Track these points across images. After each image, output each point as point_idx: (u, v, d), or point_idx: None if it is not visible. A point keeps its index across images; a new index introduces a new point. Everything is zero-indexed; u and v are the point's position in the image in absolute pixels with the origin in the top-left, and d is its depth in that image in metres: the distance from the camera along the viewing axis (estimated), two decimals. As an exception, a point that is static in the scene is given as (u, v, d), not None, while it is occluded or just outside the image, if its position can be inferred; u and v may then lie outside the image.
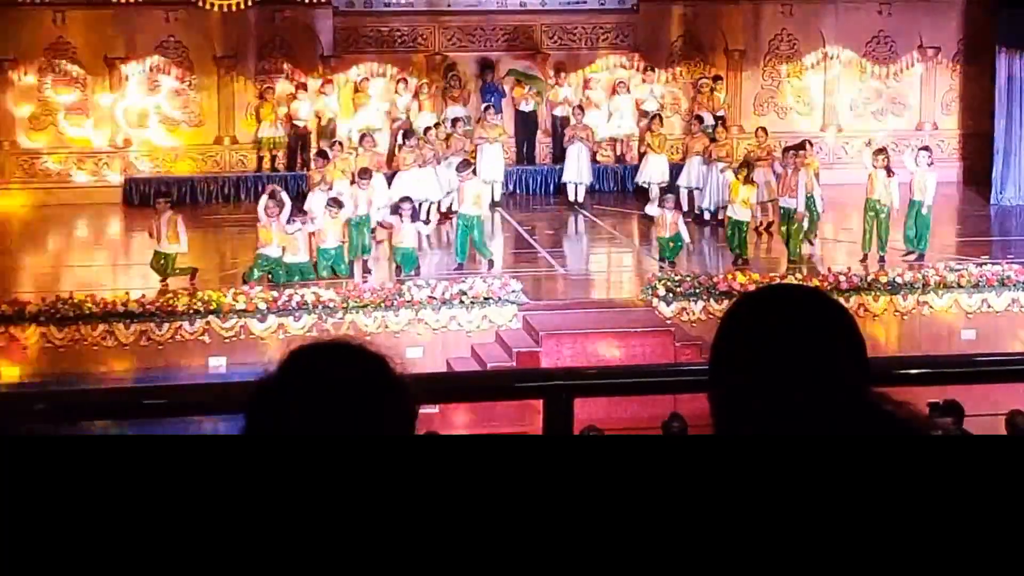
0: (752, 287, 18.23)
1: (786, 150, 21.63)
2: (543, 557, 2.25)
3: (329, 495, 2.26)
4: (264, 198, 19.68)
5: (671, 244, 20.15)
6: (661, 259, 19.96)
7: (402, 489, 2.27)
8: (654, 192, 23.22)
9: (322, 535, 2.26)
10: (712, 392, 2.62)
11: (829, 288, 17.69)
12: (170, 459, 2.31)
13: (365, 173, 20.55)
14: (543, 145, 26.41)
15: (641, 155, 25.20)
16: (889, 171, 20.72)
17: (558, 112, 26.09)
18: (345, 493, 2.27)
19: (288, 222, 19.23)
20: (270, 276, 18.93)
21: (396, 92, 25.65)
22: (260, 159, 25.58)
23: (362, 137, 23.26)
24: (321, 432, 2.44)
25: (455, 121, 24.28)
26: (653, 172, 24.23)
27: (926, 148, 21.15)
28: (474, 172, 21.22)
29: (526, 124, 26.11)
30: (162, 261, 19.11)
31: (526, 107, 26.06)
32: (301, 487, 2.27)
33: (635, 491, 2.28)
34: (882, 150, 21.57)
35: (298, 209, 19.58)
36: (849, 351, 2.57)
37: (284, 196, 19.76)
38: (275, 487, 2.27)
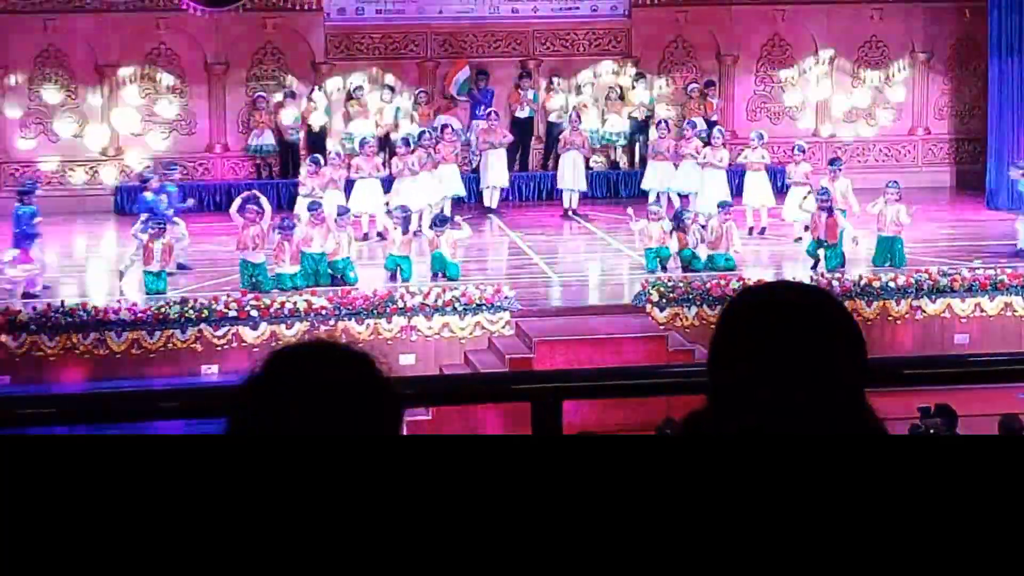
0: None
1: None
2: (532, 557, 2.23)
3: (322, 495, 2.27)
4: (238, 200, 19.72)
5: (657, 256, 20.05)
6: (650, 270, 19.86)
7: (388, 489, 2.26)
8: (652, 198, 23.23)
9: (315, 534, 2.26)
10: (710, 384, 2.60)
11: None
12: (168, 459, 2.32)
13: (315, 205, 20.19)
14: (536, 151, 26.41)
15: (643, 161, 25.16)
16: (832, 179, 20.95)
17: (551, 119, 26.07)
18: (336, 493, 2.27)
19: (277, 229, 19.21)
20: (256, 286, 18.83)
21: (383, 99, 25.63)
22: (257, 167, 25.56)
23: (362, 143, 23.28)
24: (307, 433, 2.43)
25: (443, 128, 24.28)
26: (652, 179, 24.16)
27: (894, 182, 20.93)
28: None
29: (521, 130, 26.10)
30: (152, 278, 18.99)
31: (521, 113, 26.05)
32: (294, 487, 2.27)
33: (624, 491, 2.26)
34: (835, 160, 21.77)
35: (282, 226, 19.46)
36: (849, 351, 2.55)
37: (264, 203, 19.70)
38: (271, 487, 2.27)
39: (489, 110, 25.02)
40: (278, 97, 25.61)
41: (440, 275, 19.47)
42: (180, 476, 2.28)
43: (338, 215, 19.99)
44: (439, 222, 19.99)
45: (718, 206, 20.69)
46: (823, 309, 2.61)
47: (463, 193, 23.70)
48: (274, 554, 2.25)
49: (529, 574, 2.24)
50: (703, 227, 20.31)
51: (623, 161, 26.43)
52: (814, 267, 19.98)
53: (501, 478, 2.28)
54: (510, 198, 25.55)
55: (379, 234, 21.23)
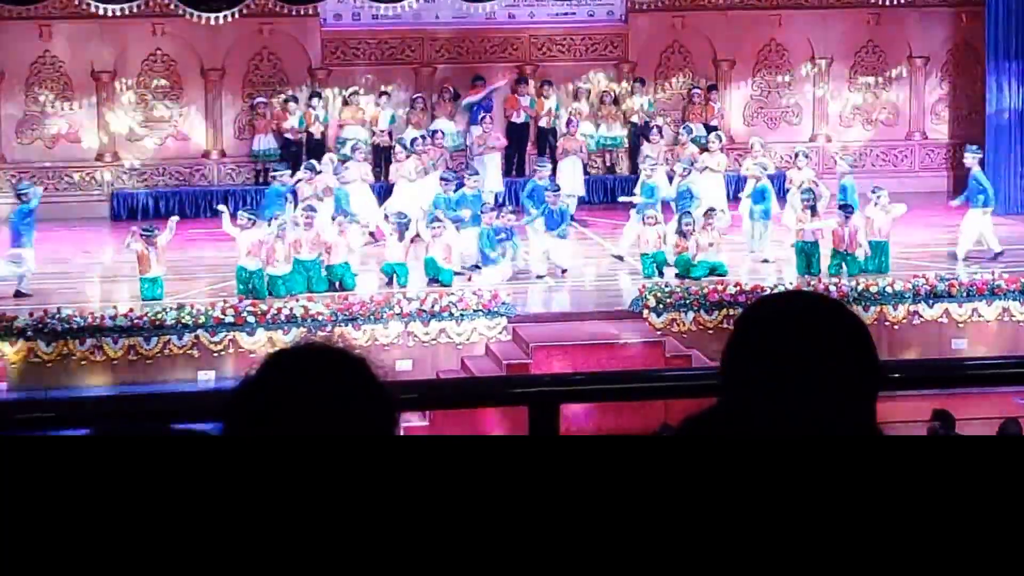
0: (743, 297, 18.33)
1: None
2: (531, 557, 2.22)
3: (318, 496, 2.27)
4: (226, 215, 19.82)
5: (654, 262, 20.05)
6: (647, 276, 19.86)
7: (382, 489, 2.26)
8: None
9: (311, 535, 2.25)
10: (723, 390, 2.61)
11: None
12: (168, 459, 2.32)
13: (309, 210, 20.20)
14: (532, 157, 26.38)
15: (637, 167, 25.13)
16: None
17: (543, 124, 26.04)
18: (330, 494, 2.26)
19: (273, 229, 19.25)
20: (252, 292, 18.80)
21: (378, 105, 25.61)
22: (257, 172, 25.54)
23: (353, 148, 23.29)
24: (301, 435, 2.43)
25: (434, 133, 24.28)
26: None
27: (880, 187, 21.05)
28: None
29: (517, 136, 26.08)
30: (149, 285, 18.95)
31: (517, 119, 26.03)
32: (294, 488, 2.27)
33: (622, 492, 2.25)
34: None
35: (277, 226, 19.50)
36: (863, 361, 2.58)
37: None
38: (271, 487, 2.27)
39: (483, 115, 25.01)
40: (278, 101, 25.58)
41: (434, 281, 19.47)
42: (177, 476, 2.28)
43: (334, 217, 19.99)
44: (434, 220, 19.99)
45: (704, 213, 20.68)
46: (836, 318, 2.64)
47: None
48: (271, 555, 2.24)
49: (529, 574, 2.23)
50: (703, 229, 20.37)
51: (621, 166, 26.40)
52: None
53: (499, 478, 2.27)
54: (506, 204, 25.51)
55: (371, 234, 21.24)
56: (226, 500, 2.25)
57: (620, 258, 21.16)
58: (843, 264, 19.96)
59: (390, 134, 25.07)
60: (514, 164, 26.14)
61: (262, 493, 2.26)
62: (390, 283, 19.63)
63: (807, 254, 20.16)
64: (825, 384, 2.53)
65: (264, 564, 2.24)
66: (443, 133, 24.56)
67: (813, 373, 2.54)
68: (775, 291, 17.90)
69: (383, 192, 23.38)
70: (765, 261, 21.16)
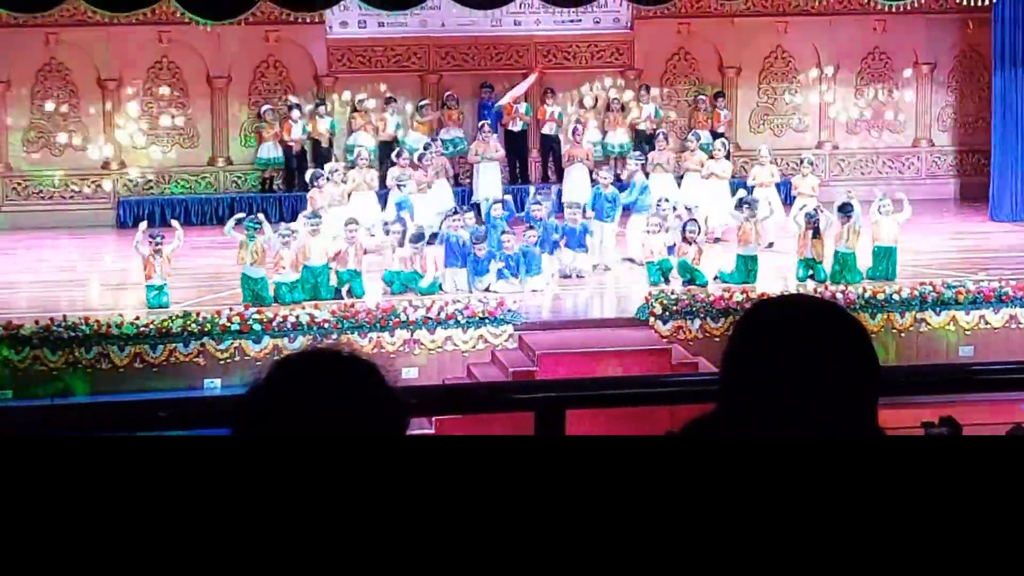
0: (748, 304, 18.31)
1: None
2: (537, 558, 2.22)
3: (328, 496, 2.27)
4: (232, 221, 19.83)
5: (659, 269, 20.03)
6: (652, 284, 19.84)
7: (388, 490, 2.25)
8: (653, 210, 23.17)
9: (315, 533, 2.25)
10: (724, 393, 2.61)
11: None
12: (167, 459, 2.32)
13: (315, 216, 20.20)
14: (535, 164, 26.38)
15: (647, 175, 25.14)
16: None
17: (546, 131, 26.03)
18: (340, 494, 2.27)
19: (278, 236, 19.22)
20: (258, 299, 18.80)
21: (386, 112, 25.62)
22: (263, 180, 25.57)
23: (357, 155, 23.31)
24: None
25: (434, 140, 24.30)
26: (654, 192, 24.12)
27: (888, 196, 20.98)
28: None
29: (516, 144, 26.07)
30: (155, 293, 18.96)
31: (514, 127, 26.03)
32: (295, 488, 2.27)
33: (619, 493, 2.25)
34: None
35: (283, 233, 19.50)
36: (864, 363, 2.57)
37: (265, 225, 19.75)
38: (271, 488, 2.27)
39: (482, 123, 25.03)
40: (283, 110, 25.61)
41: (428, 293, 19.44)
42: (184, 477, 2.28)
43: (344, 226, 19.99)
44: (416, 239, 19.86)
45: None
46: (836, 321, 2.62)
47: (453, 206, 23.67)
48: (279, 555, 2.24)
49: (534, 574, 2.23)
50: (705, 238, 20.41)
51: (625, 173, 26.37)
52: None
53: (504, 478, 2.27)
54: (512, 210, 25.52)
55: (366, 251, 21.28)
56: (229, 501, 2.25)
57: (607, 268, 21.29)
58: (843, 268, 19.91)
59: (396, 141, 25.10)
60: (516, 171, 26.12)
61: (262, 494, 2.25)
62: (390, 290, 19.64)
63: (808, 263, 20.17)
64: (826, 386, 2.54)
65: (268, 564, 2.23)
66: (442, 142, 24.58)
67: (814, 375, 2.54)
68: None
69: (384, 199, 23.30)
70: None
